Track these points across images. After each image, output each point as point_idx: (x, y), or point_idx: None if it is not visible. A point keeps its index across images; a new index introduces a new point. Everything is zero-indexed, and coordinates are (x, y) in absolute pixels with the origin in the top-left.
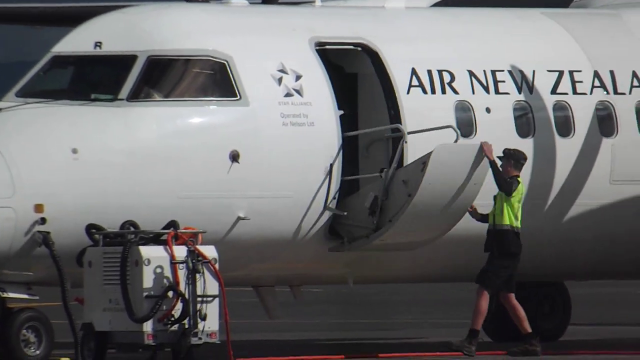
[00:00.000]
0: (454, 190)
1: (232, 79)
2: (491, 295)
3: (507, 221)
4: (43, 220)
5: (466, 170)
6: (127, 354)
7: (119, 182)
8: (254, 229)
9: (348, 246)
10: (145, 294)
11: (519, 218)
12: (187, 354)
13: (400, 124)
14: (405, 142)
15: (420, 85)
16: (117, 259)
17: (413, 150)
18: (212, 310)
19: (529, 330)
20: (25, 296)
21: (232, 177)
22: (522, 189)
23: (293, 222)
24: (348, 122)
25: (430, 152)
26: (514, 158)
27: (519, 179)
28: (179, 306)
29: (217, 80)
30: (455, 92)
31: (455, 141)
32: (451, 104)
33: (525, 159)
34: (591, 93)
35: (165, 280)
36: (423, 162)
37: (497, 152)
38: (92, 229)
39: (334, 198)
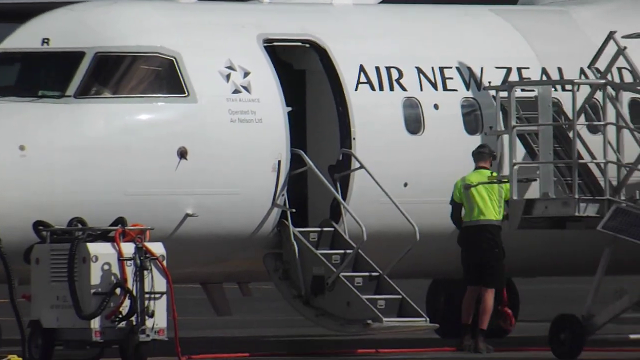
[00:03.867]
0: None
1: (180, 75)
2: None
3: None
4: None
5: None
6: (74, 351)
7: (66, 179)
8: (201, 226)
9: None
10: (92, 291)
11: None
12: (135, 351)
13: (348, 120)
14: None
15: (369, 82)
16: (64, 256)
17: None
18: (160, 307)
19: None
20: None
21: (180, 174)
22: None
23: (241, 218)
24: (296, 118)
25: None
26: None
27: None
28: (127, 303)
29: (165, 77)
30: (404, 88)
31: None
32: (399, 100)
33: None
34: None
35: (113, 277)
36: None
37: (445, 148)
38: (39, 226)
39: (282, 194)
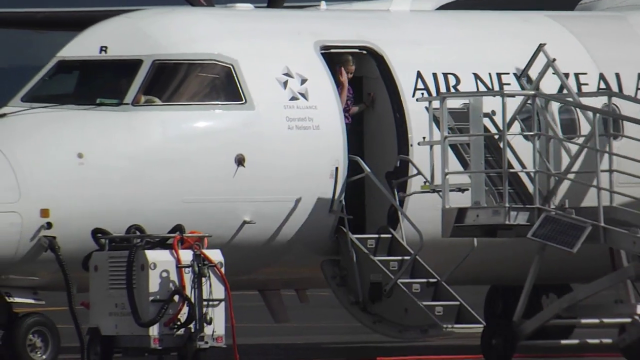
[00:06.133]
0: None
1: (237, 83)
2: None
3: None
4: (49, 225)
5: None
6: (133, 359)
7: (124, 186)
8: (259, 233)
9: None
10: (151, 298)
11: None
12: (194, 358)
13: (406, 126)
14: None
15: (426, 88)
16: (123, 263)
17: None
18: (218, 314)
19: None
20: (32, 301)
21: (238, 181)
22: None
23: (298, 225)
24: (354, 125)
25: None
26: None
27: None
28: (185, 310)
29: (222, 84)
30: None
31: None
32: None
33: None
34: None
35: (171, 285)
36: None
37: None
38: (98, 234)
39: (339, 201)
